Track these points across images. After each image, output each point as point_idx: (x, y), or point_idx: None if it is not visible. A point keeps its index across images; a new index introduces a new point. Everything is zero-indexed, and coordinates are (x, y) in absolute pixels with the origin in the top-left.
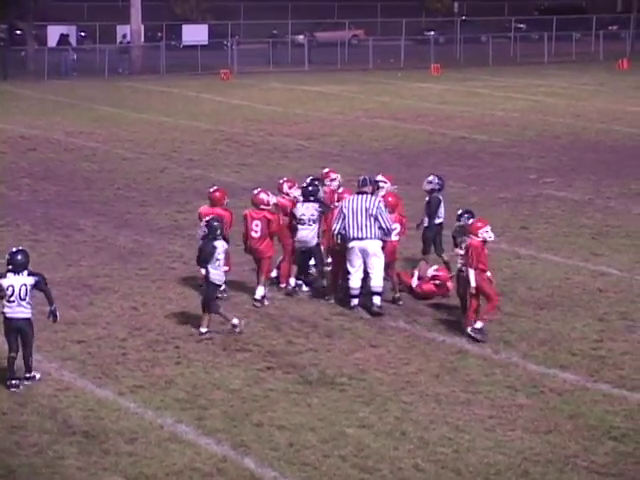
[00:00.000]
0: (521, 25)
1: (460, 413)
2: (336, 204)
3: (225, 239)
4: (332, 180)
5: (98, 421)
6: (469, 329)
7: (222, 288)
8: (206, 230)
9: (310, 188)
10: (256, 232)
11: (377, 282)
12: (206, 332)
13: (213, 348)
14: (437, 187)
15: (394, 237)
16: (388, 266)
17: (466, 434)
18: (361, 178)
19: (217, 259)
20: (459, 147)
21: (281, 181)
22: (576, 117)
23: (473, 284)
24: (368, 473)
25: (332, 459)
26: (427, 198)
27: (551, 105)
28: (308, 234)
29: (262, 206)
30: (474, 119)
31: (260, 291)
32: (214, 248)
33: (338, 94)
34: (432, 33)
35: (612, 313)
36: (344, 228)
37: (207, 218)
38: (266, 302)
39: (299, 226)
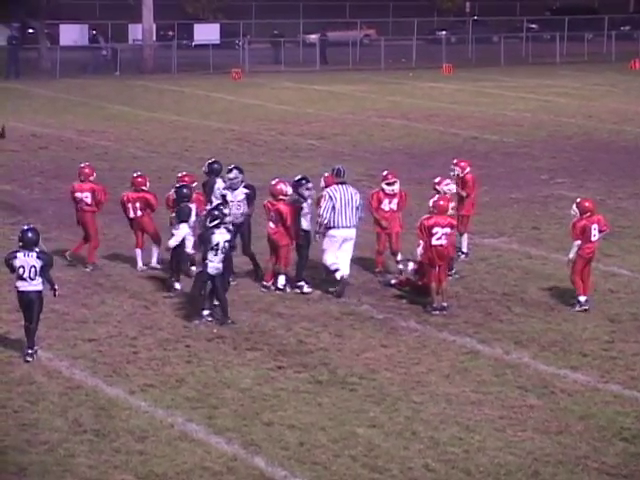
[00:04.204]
0: (533, 25)
1: (470, 413)
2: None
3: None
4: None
5: (109, 419)
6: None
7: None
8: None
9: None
10: (273, 222)
11: (345, 270)
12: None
13: (224, 347)
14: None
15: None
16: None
17: (476, 434)
18: (336, 168)
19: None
20: (470, 147)
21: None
22: (588, 117)
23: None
24: (378, 473)
25: (342, 459)
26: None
27: (563, 105)
28: None
29: (281, 196)
30: (485, 119)
31: (281, 280)
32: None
33: (349, 94)
34: (444, 33)
35: (623, 314)
36: (332, 217)
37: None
38: (287, 289)
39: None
